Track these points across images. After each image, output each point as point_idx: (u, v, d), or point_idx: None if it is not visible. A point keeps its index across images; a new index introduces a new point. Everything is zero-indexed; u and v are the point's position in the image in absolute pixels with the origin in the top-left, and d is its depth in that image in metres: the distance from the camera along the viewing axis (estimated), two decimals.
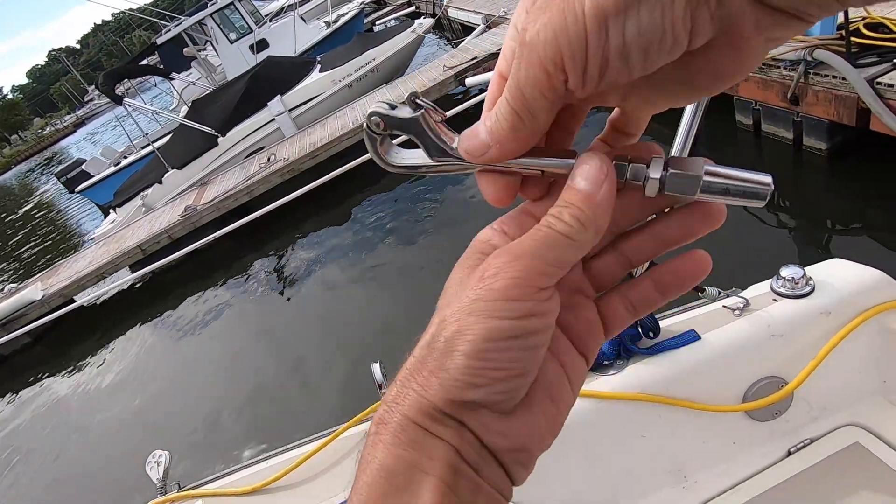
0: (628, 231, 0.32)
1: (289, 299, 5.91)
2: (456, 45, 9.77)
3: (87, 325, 7.17)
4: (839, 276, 1.19)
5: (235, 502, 1.27)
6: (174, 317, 6.58)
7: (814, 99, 3.66)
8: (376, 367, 1.36)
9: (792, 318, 1.15)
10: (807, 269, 1.20)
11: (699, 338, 1.17)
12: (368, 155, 0.33)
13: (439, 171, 0.32)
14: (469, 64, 7.56)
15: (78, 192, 12.04)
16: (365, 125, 0.32)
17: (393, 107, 0.31)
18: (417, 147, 0.32)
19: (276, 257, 6.73)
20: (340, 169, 4.42)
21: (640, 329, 1.21)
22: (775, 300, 1.19)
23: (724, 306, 1.22)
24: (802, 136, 3.97)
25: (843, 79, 3.38)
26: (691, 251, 0.31)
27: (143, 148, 11.75)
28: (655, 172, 0.28)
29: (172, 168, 8.77)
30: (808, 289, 1.17)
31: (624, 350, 1.21)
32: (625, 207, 0.31)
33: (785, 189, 4.17)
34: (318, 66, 9.41)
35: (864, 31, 3.49)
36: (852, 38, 3.41)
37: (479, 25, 9.69)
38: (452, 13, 12.04)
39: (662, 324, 1.22)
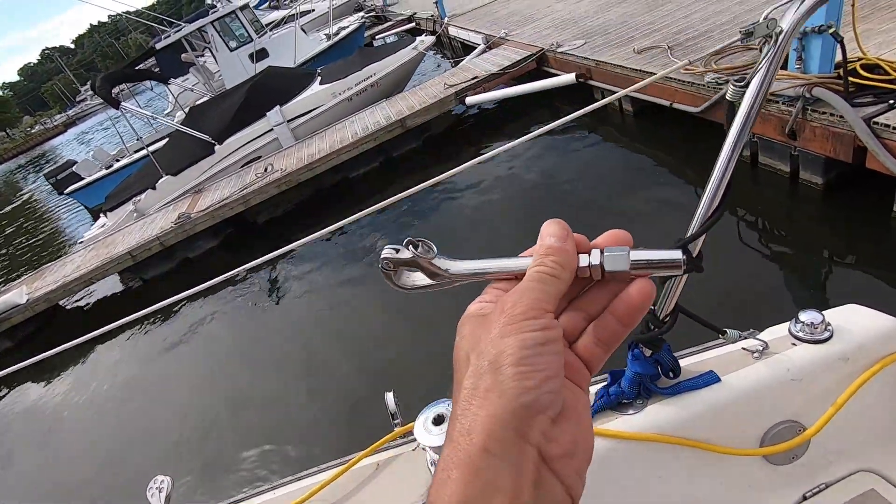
0: (584, 291, 0.41)
1: (287, 313, 5.83)
2: (455, 63, 9.88)
3: (72, 330, 7.01)
4: (857, 322, 1.20)
5: None
6: (164, 326, 6.45)
7: (811, 134, 3.74)
8: (389, 397, 1.34)
9: (811, 362, 1.16)
10: (825, 313, 1.22)
11: (719, 379, 1.17)
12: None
13: (439, 288, 0.44)
14: (470, 83, 7.64)
15: (68, 194, 11.88)
16: (381, 266, 0.43)
17: (398, 250, 0.42)
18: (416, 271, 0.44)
19: (272, 268, 6.65)
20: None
21: (659, 368, 1.20)
22: (794, 344, 1.20)
23: (743, 348, 1.22)
24: (799, 169, 4.05)
25: (841, 117, 3.46)
26: (634, 281, 0.38)
27: (136, 151, 11.65)
28: (595, 258, 0.39)
29: (167, 174, 8.69)
30: (826, 334, 1.18)
31: (644, 389, 1.20)
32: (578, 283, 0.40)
33: (779, 220, 4.24)
34: (319, 78, 9.44)
35: (861, 72, 3.58)
36: (849, 79, 3.50)
37: (479, 45, 9.81)
38: (453, 31, 12.19)
39: (682, 363, 1.22)
